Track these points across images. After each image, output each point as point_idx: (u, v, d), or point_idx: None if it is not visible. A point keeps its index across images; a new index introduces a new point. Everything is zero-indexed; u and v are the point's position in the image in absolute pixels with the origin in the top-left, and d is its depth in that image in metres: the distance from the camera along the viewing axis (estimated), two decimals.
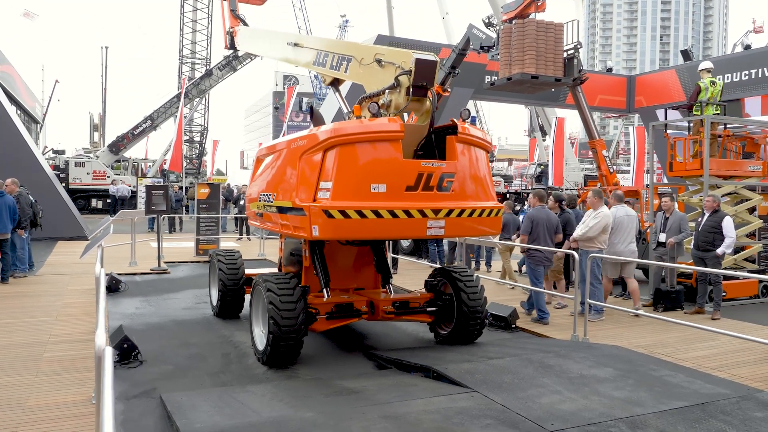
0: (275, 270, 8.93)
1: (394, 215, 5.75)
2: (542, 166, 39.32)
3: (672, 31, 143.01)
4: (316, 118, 7.09)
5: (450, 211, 6.05)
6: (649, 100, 22.73)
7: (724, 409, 4.73)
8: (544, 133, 42.25)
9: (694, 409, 4.70)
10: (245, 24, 10.58)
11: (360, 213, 5.63)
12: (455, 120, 6.29)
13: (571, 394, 4.97)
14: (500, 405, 4.66)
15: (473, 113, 6.59)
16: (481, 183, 6.44)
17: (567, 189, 32.13)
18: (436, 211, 5.96)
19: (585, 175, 41.23)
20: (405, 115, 6.56)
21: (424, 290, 7.57)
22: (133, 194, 29.37)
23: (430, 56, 6.10)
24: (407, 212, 5.81)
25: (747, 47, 25.28)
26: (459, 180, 6.16)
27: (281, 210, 6.49)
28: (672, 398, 4.94)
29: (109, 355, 2.49)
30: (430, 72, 6.02)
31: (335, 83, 7.98)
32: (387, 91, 6.21)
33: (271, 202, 6.81)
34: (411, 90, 5.99)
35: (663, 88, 22.06)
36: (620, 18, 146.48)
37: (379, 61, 6.32)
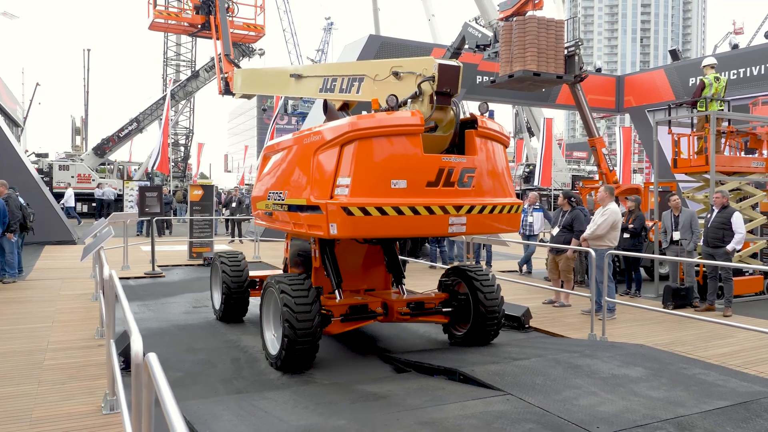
0: (278, 272, 8.66)
1: (415, 212, 5.53)
2: (530, 167, 39.29)
3: (652, 33, 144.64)
4: (330, 113, 6.83)
5: (471, 208, 5.84)
6: (638, 99, 22.74)
7: None
8: (531, 134, 42.28)
9: (737, 408, 4.54)
10: (238, 67, 10.16)
11: (380, 210, 5.40)
12: (474, 114, 6.10)
13: (608, 395, 4.77)
14: (538, 408, 4.45)
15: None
16: (500, 179, 6.25)
17: (555, 189, 32.26)
18: (458, 208, 5.75)
19: (572, 176, 41.43)
20: None
21: (437, 290, 7.36)
22: (119, 197, 28.80)
23: (453, 62, 5.88)
24: (429, 209, 5.59)
25: (735, 46, 25.40)
26: (479, 175, 5.96)
27: (293, 208, 6.23)
28: (712, 397, 4.77)
29: (155, 361, 2.24)
30: (454, 77, 5.77)
31: (345, 107, 7.62)
32: (409, 101, 5.94)
33: (282, 200, 6.54)
34: (435, 98, 5.73)
35: (652, 87, 22.07)
36: (601, 21, 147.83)
37: (396, 74, 6.06)
